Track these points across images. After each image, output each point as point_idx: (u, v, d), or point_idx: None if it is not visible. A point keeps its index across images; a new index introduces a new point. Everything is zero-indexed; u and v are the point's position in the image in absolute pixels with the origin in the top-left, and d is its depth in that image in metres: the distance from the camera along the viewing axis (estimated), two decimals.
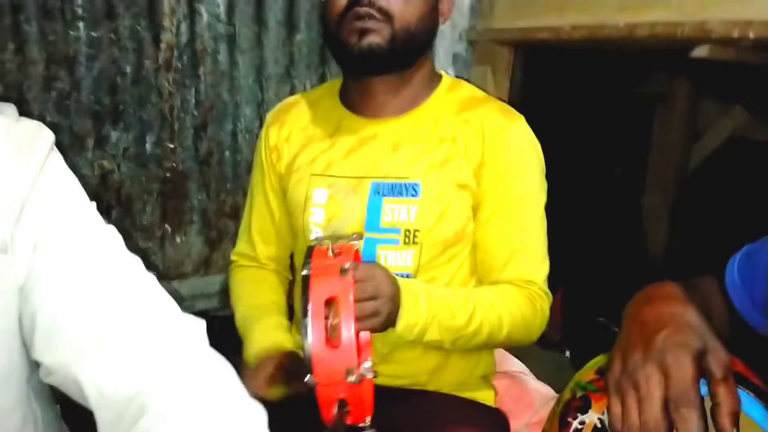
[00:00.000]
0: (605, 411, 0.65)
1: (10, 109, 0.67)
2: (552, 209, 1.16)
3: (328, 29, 1.08)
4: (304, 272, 0.85)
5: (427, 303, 1.00)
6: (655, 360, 0.61)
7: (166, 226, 1.83)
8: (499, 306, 1.06)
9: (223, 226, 1.91)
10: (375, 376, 0.86)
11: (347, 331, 0.82)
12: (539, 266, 1.12)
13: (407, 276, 1.08)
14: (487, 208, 1.10)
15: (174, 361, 0.62)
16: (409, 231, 1.08)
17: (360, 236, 1.03)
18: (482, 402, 1.17)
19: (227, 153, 1.87)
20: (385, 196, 1.09)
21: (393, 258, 1.09)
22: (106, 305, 0.63)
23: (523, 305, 1.08)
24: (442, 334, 1.02)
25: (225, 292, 1.87)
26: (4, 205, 0.61)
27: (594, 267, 2.25)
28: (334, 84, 1.21)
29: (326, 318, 0.82)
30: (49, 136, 0.67)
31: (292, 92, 1.90)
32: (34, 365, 0.66)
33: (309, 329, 0.81)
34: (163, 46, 1.71)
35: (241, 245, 1.28)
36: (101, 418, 0.61)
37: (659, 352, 0.61)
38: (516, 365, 1.42)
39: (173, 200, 1.82)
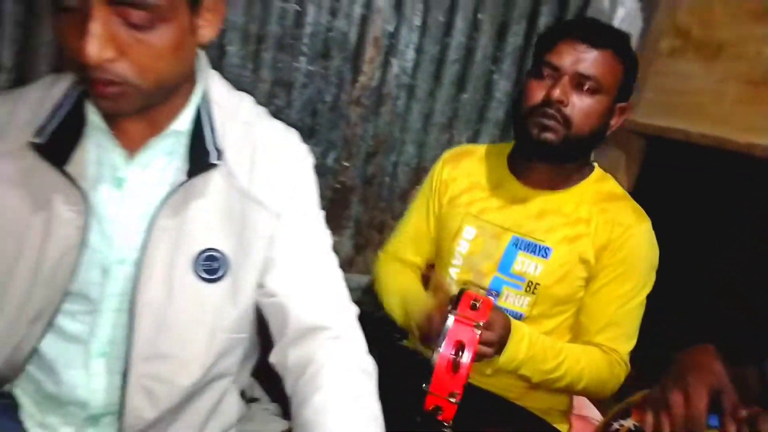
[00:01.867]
0: (640, 420, 0.94)
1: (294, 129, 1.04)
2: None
3: (518, 112, 1.31)
4: (450, 315, 1.13)
5: (528, 346, 1.23)
6: (682, 390, 0.90)
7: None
8: (583, 362, 1.28)
9: (370, 236, 2.28)
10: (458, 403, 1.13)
11: (463, 370, 1.09)
12: (627, 341, 1.32)
13: (520, 315, 1.32)
14: (598, 282, 1.31)
15: (343, 315, 0.97)
16: (531, 282, 1.31)
17: (497, 294, 1.30)
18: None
19: (387, 179, 2.23)
20: (520, 249, 1.32)
21: (513, 299, 1.33)
22: (317, 268, 0.98)
23: (604, 368, 1.29)
24: (532, 373, 1.26)
25: (361, 290, 2.23)
26: (285, 187, 0.96)
27: (670, 342, 2.38)
28: (504, 147, 1.45)
29: (454, 351, 1.10)
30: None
31: (449, 140, 2.23)
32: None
33: (436, 355, 1.10)
34: (358, 85, 2.11)
35: (392, 246, 1.54)
36: (288, 335, 0.94)
37: (687, 385, 0.90)
38: (593, 412, 1.62)
39: (337, 208, 2.21)
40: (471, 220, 1.38)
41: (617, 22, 2.04)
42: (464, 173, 1.44)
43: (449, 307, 1.15)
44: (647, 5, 2.03)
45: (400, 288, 1.43)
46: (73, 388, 0.92)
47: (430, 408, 1.12)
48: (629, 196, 1.38)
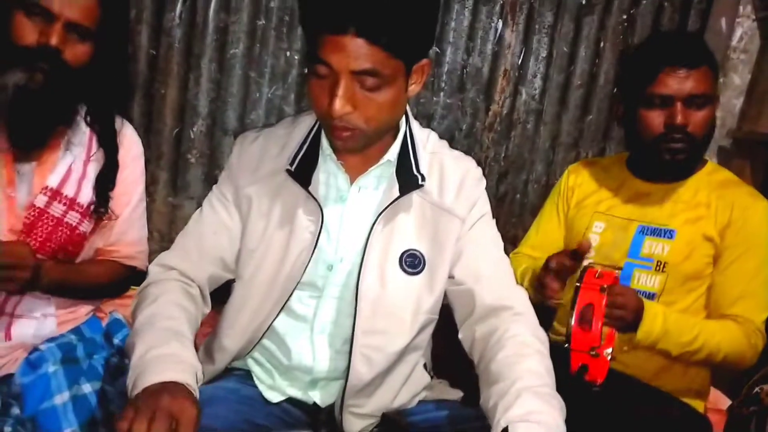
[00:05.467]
0: None
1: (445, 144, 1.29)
2: None
3: (641, 141, 1.47)
4: (577, 284, 1.28)
5: (663, 322, 1.37)
6: None
7: None
8: (719, 335, 1.40)
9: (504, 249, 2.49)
10: (612, 359, 1.29)
11: (595, 324, 1.25)
12: (761, 311, 1.44)
13: (653, 295, 1.47)
14: (726, 260, 1.45)
15: (519, 296, 1.18)
16: (660, 262, 1.47)
17: (619, 268, 1.43)
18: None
19: (518, 196, 2.45)
20: (647, 235, 1.49)
21: (644, 279, 1.48)
22: (495, 259, 1.21)
23: (741, 338, 1.40)
24: (670, 347, 1.39)
25: None
26: (468, 200, 1.20)
27: None
28: (622, 155, 1.65)
29: (585, 314, 1.26)
30: None
31: (576, 158, 2.40)
32: None
33: (572, 318, 1.27)
34: (490, 113, 2.35)
35: (522, 248, 1.73)
36: (475, 315, 1.16)
37: None
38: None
39: None
40: (599, 216, 1.57)
41: (735, 42, 2.17)
42: (589, 179, 1.64)
43: (577, 281, 1.31)
44: (763, 24, 2.15)
45: (526, 270, 1.59)
46: (300, 357, 1.20)
47: (577, 368, 1.28)
48: (743, 182, 1.53)
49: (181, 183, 2.30)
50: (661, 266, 1.47)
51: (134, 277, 1.46)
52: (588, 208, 1.60)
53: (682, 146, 1.42)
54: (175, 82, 2.22)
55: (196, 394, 0.95)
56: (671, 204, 1.51)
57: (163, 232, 2.30)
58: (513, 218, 2.47)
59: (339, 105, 1.02)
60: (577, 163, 1.72)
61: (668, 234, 1.48)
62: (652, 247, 1.48)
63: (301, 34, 2.23)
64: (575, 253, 1.35)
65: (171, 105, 2.24)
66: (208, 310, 1.23)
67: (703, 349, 1.40)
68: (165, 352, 0.98)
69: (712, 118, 1.46)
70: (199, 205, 2.30)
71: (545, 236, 1.70)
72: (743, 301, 1.44)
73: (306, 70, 1.09)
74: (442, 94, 2.32)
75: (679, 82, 1.40)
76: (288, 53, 2.24)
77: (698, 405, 1.54)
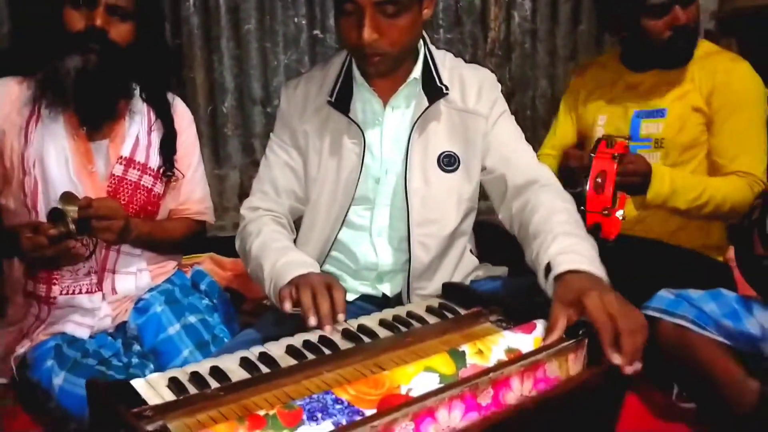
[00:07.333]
0: None
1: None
2: None
3: (650, 44, 1.61)
4: (591, 155, 1.48)
5: (670, 181, 1.51)
6: None
7: None
8: (723, 188, 1.54)
9: None
10: (623, 218, 1.47)
11: (608, 188, 1.44)
12: (757, 162, 1.58)
13: None
14: (717, 123, 1.60)
15: (543, 170, 1.36)
16: (657, 139, 1.64)
17: (629, 138, 1.62)
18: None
19: (528, 112, 2.64)
20: (642, 118, 1.67)
21: (647, 157, 1.60)
22: (517, 144, 1.40)
23: (745, 189, 1.55)
24: (679, 203, 1.53)
25: None
26: (488, 100, 1.38)
27: None
28: (615, 51, 1.81)
29: (599, 180, 1.46)
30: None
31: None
32: None
33: (587, 183, 1.46)
34: (489, 40, 2.54)
35: (545, 149, 1.90)
36: (509, 194, 1.35)
37: None
38: None
39: None
40: (602, 110, 1.76)
41: None
42: (591, 79, 1.81)
43: (590, 151, 1.50)
44: None
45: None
46: (365, 257, 1.42)
47: (591, 226, 1.45)
48: (723, 50, 1.69)
49: (222, 155, 2.54)
50: (659, 143, 1.65)
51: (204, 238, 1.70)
52: (592, 104, 1.78)
53: (687, 44, 1.58)
54: (201, 65, 2.44)
55: None
56: (660, 86, 1.66)
57: (215, 202, 2.51)
58: (527, 133, 2.62)
59: (367, 33, 1.22)
60: (581, 64, 1.92)
61: (660, 114, 1.64)
62: (648, 127, 1.66)
63: (305, 1, 2.43)
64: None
65: (201, 86, 2.46)
66: (294, 235, 1.45)
67: (711, 202, 1.55)
68: (290, 260, 1.21)
69: (698, 7, 1.61)
70: (242, 173, 2.54)
71: (563, 134, 1.89)
72: (741, 157, 1.59)
73: (334, 13, 1.28)
74: (441, 30, 2.51)
75: None
76: (296, 20, 2.44)
77: (718, 256, 1.72)
